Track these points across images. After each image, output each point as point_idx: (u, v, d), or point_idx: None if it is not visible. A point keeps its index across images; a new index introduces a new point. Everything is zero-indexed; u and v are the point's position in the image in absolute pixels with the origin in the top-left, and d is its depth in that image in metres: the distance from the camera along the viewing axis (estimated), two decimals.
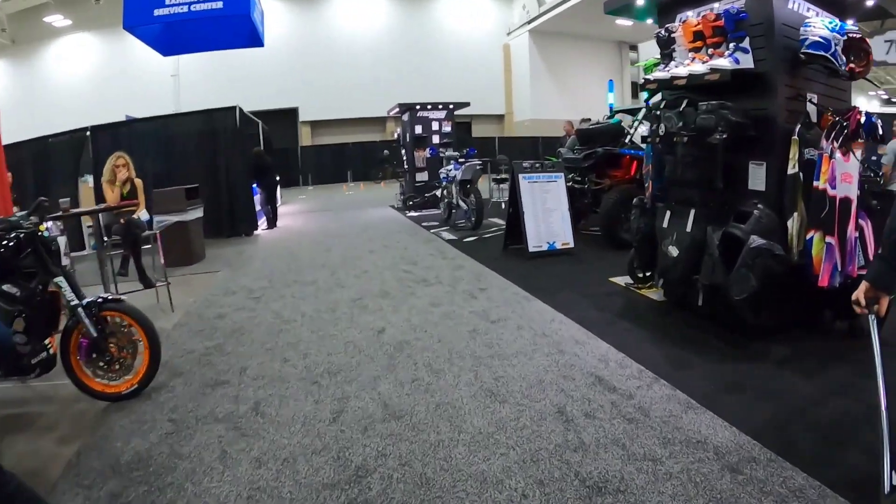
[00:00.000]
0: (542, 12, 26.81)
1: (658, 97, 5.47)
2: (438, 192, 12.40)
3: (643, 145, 8.79)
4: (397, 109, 14.89)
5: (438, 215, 12.59)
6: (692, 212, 4.82)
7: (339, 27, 28.12)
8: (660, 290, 5.59)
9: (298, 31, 27.53)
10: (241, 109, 11.44)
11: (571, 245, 8.12)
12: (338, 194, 21.41)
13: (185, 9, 7.83)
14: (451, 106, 14.63)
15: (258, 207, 11.91)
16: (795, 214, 4.45)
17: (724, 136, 4.32)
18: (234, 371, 4.20)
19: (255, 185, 11.90)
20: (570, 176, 9.06)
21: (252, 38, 9.00)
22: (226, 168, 11.31)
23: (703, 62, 4.63)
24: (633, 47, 31.08)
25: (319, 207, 16.57)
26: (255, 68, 25.98)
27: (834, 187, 4.32)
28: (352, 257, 8.53)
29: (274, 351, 4.59)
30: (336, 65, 27.70)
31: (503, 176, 14.01)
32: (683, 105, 4.74)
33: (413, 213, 13.68)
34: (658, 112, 4.99)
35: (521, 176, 8.05)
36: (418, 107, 14.36)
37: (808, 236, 4.37)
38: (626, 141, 8.94)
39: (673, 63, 4.97)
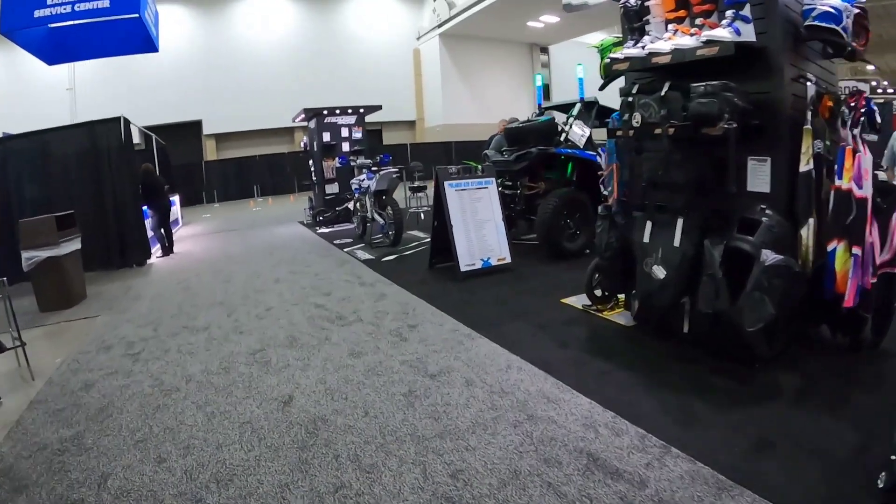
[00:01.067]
0: (452, 15, 25.98)
1: (623, 82, 4.45)
2: (351, 205, 11.09)
3: (578, 143, 7.97)
4: (303, 116, 13.43)
5: (352, 230, 11.33)
6: (680, 222, 3.86)
7: (243, 34, 26.28)
8: (623, 311, 4.82)
9: (201, 40, 25.53)
10: (127, 122, 9.77)
11: (508, 260, 7.12)
12: (244, 211, 19.61)
13: (69, 9, 7.03)
14: (361, 110, 13.37)
15: (151, 233, 10.23)
16: (811, 221, 3.55)
17: (734, 126, 3.34)
18: (91, 481, 2.90)
19: (146, 208, 10.25)
20: (500, 180, 8.07)
21: (145, 42, 8.01)
22: (112, 190, 9.60)
23: (692, 35, 3.64)
24: (545, 50, 30.79)
25: (224, 227, 14.86)
26: (155, 79, 24.03)
27: (861, 187, 3.45)
28: (255, 289, 7.18)
29: (146, 443, 3.28)
30: (241, 74, 25.86)
31: (419, 184, 12.83)
32: (665, 89, 3.73)
33: (324, 230, 12.32)
34: (630, 99, 3.97)
35: (446, 184, 6.96)
36: (325, 112, 13.02)
37: (829, 247, 3.49)
38: (561, 140, 7.98)
39: (647, 38, 3.98)
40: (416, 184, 12.83)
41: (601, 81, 5.12)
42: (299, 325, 5.38)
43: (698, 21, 3.75)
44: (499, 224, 7.14)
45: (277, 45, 26.82)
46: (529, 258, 7.69)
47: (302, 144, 14.23)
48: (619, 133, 4.17)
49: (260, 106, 25.43)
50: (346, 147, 13.14)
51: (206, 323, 5.76)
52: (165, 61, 23.90)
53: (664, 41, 3.82)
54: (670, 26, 3.87)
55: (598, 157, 8.31)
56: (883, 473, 2.29)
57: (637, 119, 3.90)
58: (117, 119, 9.72)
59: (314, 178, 13.53)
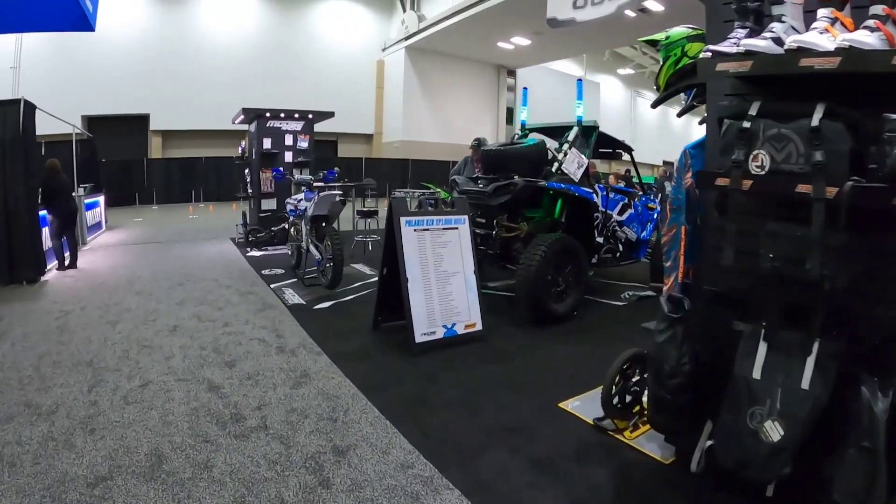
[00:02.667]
0: (421, 28, 24.33)
1: (720, 101, 2.72)
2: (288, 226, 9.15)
3: (567, 176, 6.31)
4: (242, 117, 11.41)
5: (287, 257, 9.29)
6: (817, 346, 2.15)
7: (202, 27, 24.01)
8: (651, 433, 3.36)
9: (157, 29, 23.17)
10: (31, 106, 7.67)
11: (479, 327, 5.36)
12: (180, 218, 17.20)
13: None
14: (310, 116, 11.39)
15: (49, 244, 8.13)
16: None
17: None
18: None
19: (46, 213, 8.17)
20: (470, 216, 6.41)
21: (80, 20, 6.74)
22: (3, 189, 7.46)
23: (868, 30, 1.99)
24: (512, 72, 29.39)
25: (149, 237, 12.58)
26: (105, 67, 21.62)
27: None
28: (141, 342, 5.20)
29: None
30: (196, 69, 23.54)
31: (369, 207, 10.87)
32: (819, 115, 2.04)
33: (255, 253, 10.29)
34: (746, 125, 2.28)
35: (403, 221, 5.14)
36: (268, 114, 11.01)
37: None
38: (554, 170, 6.29)
39: (779, 26, 2.29)
40: (367, 207, 10.90)
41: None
42: (175, 429, 3.43)
43: (825, 12, 2.14)
44: (469, 279, 5.37)
45: (237, 43, 24.66)
46: (503, 319, 5.97)
47: (239, 150, 12.16)
48: (720, 181, 2.42)
49: (212, 105, 23.03)
50: (288, 157, 11.17)
51: (55, 402, 3.77)
52: (118, 49, 21.92)
53: (818, 34, 2.13)
54: (823, 13, 2.19)
55: (594, 196, 6.69)
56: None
57: (763, 162, 2.20)
58: (16, 102, 7.62)
59: (249, 191, 11.50)
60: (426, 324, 5.02)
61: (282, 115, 11.08)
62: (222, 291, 7.28)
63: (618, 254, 7.25)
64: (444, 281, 5.20)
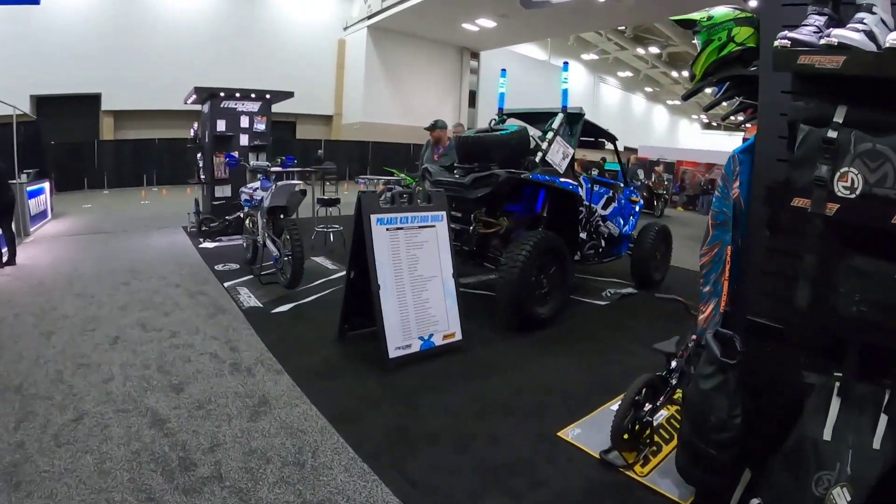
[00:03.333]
0: (385, 7, 23.45)
1: (793, 101, 2.23)
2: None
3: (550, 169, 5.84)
4: (194, 97, 10.59)
5: (243, 248, 8.61)
6: (887, 398, 1.76)
7: (153, 3, 22.64)
8: (663, 466, 3.08)
9: (110, 5, 21.73)
10: None
11: (459, 337, 4.87)
12: (132, 203, 16.09)
13: None
14: (267, 96, 10.60)
15: None
16: None
17: None
18: None
19: None
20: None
21: None
22: None
23: None
24: (475, 55, 28.73)
25: (97, 226, 11.56)
26: (54, 44, 20.11)
27: None
28: (77, 359, 4.51)
29: None
30: (150, 46, 22.08)
31: (330, 195, 10.11)
32: None
33: (208, 244, 9.54)
34: (832, 138, 1.82)
35: (374, 219, 4.60)
36: (222, 94, 10.20)
37: None
38: (537, 160, 5.80)
39: (871, 19, 1.83)
40: (327, 194, 10.20)
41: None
42: (113, 481, 2.81)
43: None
44: (447, 283, 4.87)
45: (194, 20, 23.31)
46: (481, 323, 5.49)
47: (192, 132, 11.32)
48: (797, 202, 1.94)
49: (167, 84, 21.50)
50: (244, 140, 10.39)
51: None
52: (68, 25, 20.41)
53: None
54: None
55: (580, 190, 6.25)
56: None
57: (854, 183, 1.75)
58: None
59: (202, 177, 10.71)
60: (401, 336, 4.50)
61: (237, 94, 10.27)
62: (171, 292, 6.59)
63: (601, 250, 6.85)
64: (419, 287, 4.68)
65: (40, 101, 20.64)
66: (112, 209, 14.80)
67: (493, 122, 6.79)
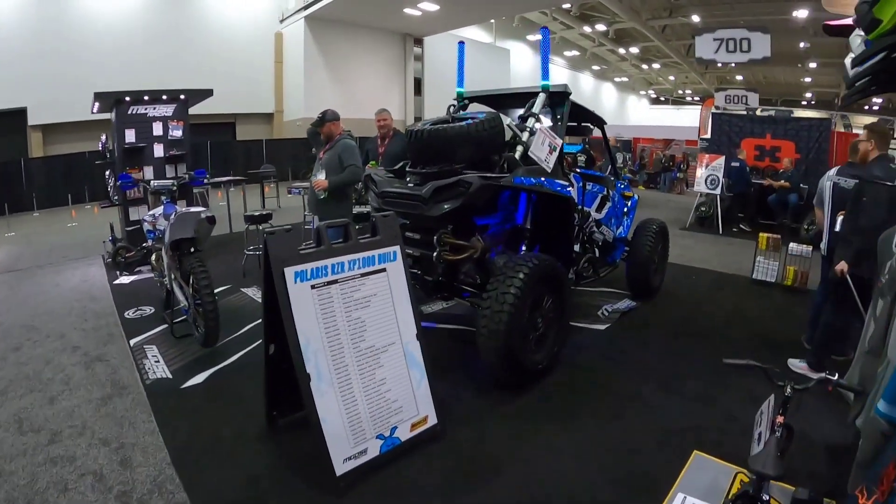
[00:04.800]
0: None
1: None
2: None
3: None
4: (97, 104, 8.67)
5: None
6: None
7: (80, 7, 20.11)
8: None
9: (30, 12, 19.14)
10: None
11: (433, 421, 3.32)
12: (58, 228, 13.73)
13: None
14: (181, 96, 8.73)
15: None
16: None
17: None
18: None
19: None
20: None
21: None
22: None
23: None
24: (419, 41, 26.86)
25: (9, 262, 9.43)
26: None
27: None
28: None
29: None
30: (77, 52, 19.51)
31: (260, 210, 8.19)
32: None
33: (124, 280, 7.70)
34: None
35: (290, 274, 3.01)
36: (128, 98, 8.30)
37: None
38: (518, 157, 4.24)
39: None
40: (258, 210, 8.33)
41: None
42: None
43: None
44: (410, 349, 3.32)
45: (121, 23, 20.92)
46: (459, 382, 4.06)
47: (100, 145, 9.36)
48: None
49: (96, 91, 19.45)
50: (159, 151, 8.54)
51: None
52: None
53: None
54: None
55: (570, 191, 4.69)
56: None
57: None
58: None
59: (113, 198, 8.82)
60: (350, 441, 2.95)
61: (145, 97, 8.41)
62: (65, 360, 4.86)
63: (596, 263, 5.34)
64: (370, 364, 3.13)
65: None
66: (36, 236, 12.66)
67: (452, 109, 5.19)
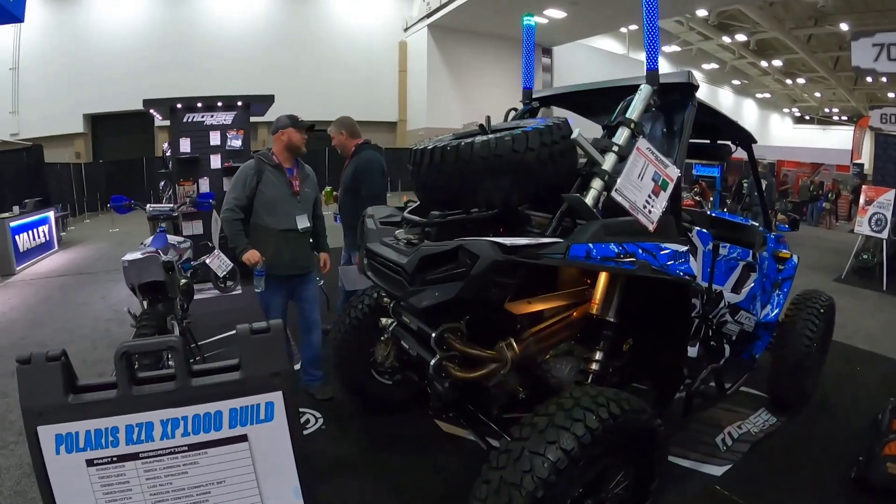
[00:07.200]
0: (443, 3, 20.10)
1: None
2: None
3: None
4: (152, 111, 7.62)
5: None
6: None
7: (205, 14, 20.34)
8: None
9: (161, 21, 19.80)
10: None
11: None
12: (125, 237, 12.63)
13: None
14: (239, 103, 7.35)
15: None
16: None
17: None
18: None
19: None
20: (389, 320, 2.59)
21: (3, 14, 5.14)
22: None
23: None
24: (547, 51, 24.67)
25: (89, 264, 9.24)
26: (107, 64, 18.73)
27: None
28: None
29: None
30: (202, 59, 19.94)
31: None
32: None
33: None
34: None
35: (51, 439, 1.22)
36: (180, 105, 7.13)
37: None
38: (590, 198, 2.17)
39: None
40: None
41: None
42: None
43: None
44: None
45: (247, 27, 20.98)
46: None
47: (164, 152, 8.33)
48: None
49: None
50: (215, 162, 7.24)
51: None
52: (120, 43, 18.93)
53: None
54: None
55: (692, 266, 2.43)
56: None
57: None
58: None
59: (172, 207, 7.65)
60: None
61: (198, 104, 7.14)
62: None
63: (723, 374, 3.11)
64: None
65: (95, 120, 18.84)
66: (131, 235, 12.06)
67: (512, 113, 3.26)
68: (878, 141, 10.43)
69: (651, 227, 2.17)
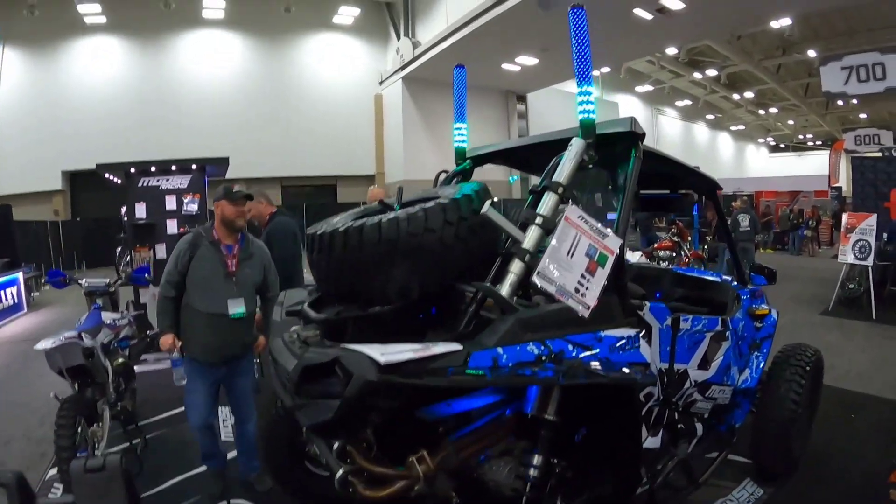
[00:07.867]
0: (416, 55, 20.20)
1: None
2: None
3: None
4: (107, 176, 7.30)
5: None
6: None
7: (186, 70, 20.37)
8: None
9: (139, 76, 19.79)
10: None
11: None
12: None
13: None
14: (193, 166, 7.00)
15: None
16: None
17: None
18: None
19: None
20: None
21: None
22: None
23: None
24: (522, 98, 24.76)
25: (50, 327, 8.75)
26: (85, 120, 18.67)
27: None
28: None
29: None
30: (180, 116, 19.85)
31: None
32: None
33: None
34: None
35: None
36: (133, 170, 6.81)
37: None
38: (507, 287, 1.79)
39: None
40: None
41: None
42: None
43: None
44: None
45: (225, 84, 20.93)
46: None
47: (122, 217, 7.97)
48: None
49: (201, 153, 19.16)
50: (172, 227, 6.90)
51: None
52: (99, 100, 18.89)
53: None
54: None
55: (643, 353, 2.02)
56: None
57: None
58: None
59: (121, 276, 7.23)
60: None
61: (152, 168, 6.84)
62: None
63: (690, 460, 2.67)
64: None
65: (73, 177, 18.63)
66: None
67: (443, 177, 2.91)
68: (855, 165, 10.28)
69: (585, 314, 1.78)
